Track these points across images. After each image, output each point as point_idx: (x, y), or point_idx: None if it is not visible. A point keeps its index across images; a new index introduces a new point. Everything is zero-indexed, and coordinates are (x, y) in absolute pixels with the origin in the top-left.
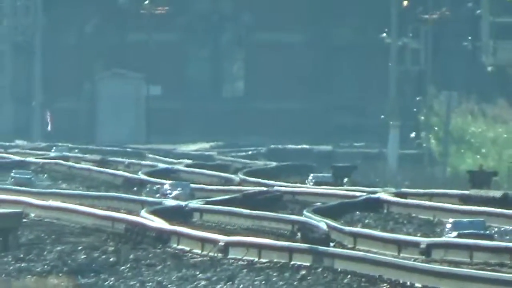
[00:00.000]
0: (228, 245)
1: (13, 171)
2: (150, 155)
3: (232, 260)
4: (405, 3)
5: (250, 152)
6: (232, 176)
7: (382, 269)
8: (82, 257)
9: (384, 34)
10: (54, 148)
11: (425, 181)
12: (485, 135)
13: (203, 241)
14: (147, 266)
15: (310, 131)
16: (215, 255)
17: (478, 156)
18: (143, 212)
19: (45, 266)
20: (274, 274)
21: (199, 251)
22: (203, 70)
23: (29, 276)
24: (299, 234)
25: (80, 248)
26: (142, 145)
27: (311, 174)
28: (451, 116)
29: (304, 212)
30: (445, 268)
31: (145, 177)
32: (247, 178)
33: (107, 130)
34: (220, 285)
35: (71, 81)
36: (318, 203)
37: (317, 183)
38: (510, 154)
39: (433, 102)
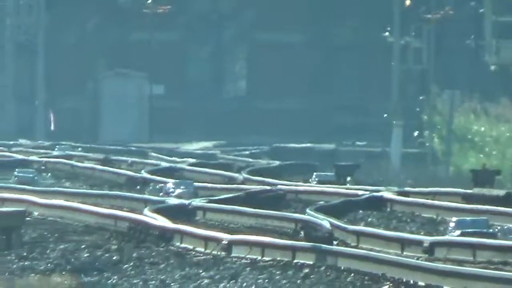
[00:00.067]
0: (231, 243)
1: (16, 169)
2: (153, 154)
3: (235, 259)
4: (408, 2)
5: (253, 151)
6: (235, 174)
7: (385, 267)
8: (85, 255)
9: (387, 33)
10: (57, 147)
11: (428, 180)
12: (488, 134)
13: (206, 239)
14: (150, 265)
15: (312, 131)
16: (218, 253)
17: (481, 155)
18: (146, 211)
19: (48, 265)
20: (277, 272)
21: (202, 250)
22: (205, 69)
23: (32, 275)
24: (302, 232)
25: (83, 246)
26: (145, 144)
27: (314, 173)
28: (454, 115)
29: (307, 210)
30: (448, 266)
31: (148, 176)
32: (251, 177)
33: (110, 129)
34: (223, 284)
35: (74, 80)
36: (321, 202)
37: (320, 181)
38: None
39: (436, 101)
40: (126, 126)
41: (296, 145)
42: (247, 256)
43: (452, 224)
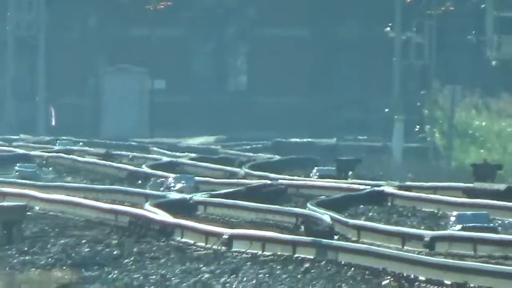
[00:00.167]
0: (232, 238)
1: (18, 164)
2: (155, 149)
3: (236, 253)
4: None
5: (254, 146)
6: (237, 169)
7: (386, 262)
8: (86, 250)
9: (388, 29)
10: (57, 142)
11: (429, 174)
12: (490, 129)
13: (207, 234)
14: (151, 259)
15: (313, 125)
16: (219, 248)
17: (483, 150)
18: (147, 205)
19: (49, 259)
20: (278, 267)
21: (203, 244)
22: (207, 64)
23: (33, 269)
24: (303, 227)
25: (84, 241)
26: (146, 138)
27: (315, 168)
28: (455, 110)
29: (308, 205)
30: (449, 261)
31: (149, 170)
32: (252, 171)
33: (111, 124)
34: (224, 278)
35: (75, 76)
36: (322, 196)
37: (321, 176)
38: None
39: (437, 96)
40: (127, 121)
41: (298, 140)
42: (248, 251)
43: (453, 219)
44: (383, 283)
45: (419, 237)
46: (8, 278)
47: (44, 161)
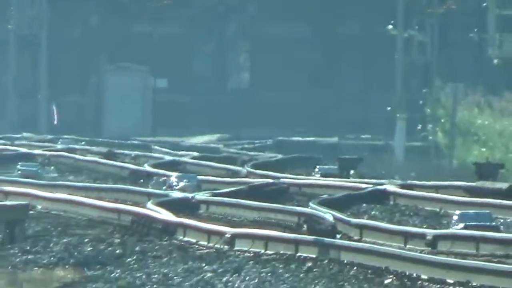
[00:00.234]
0: (234, 237)
1: (20, 163)
2: (157, 147)
3: (239, 252)
4: None
5: (256, 144)
6: (239, 168)
7: (389, 260)
8: (89, 249)
9: (390, 26)
10: (60, 140)
11: (432, 173)
12: (492, 128)
13: (210, 233)
14: (153, 258)
15: (315, 123)
16: (221, 247)
17: (484, 149)
18: (149, 204)
19: (52, 258)
20: (280, 266)
21: (205, 243)
22: (209, 62)
23: (35, 268)
24: (305, 226)
25: (86, 240)
26: (148, 137)
27: (317, 166)
28: (458, 108)
29: (310, 204)
30: (452, 259)
31: (152, 169)
32: (254, 170)
33: (113, 122)
34: (226, 277)
35: (77, 75)
36: (325, 195)
37: (323, 175)
38: None
39: (440, 94)
40: (129, 119)
41: (300, 139)
42: (250, 250)
43: (455, 217)
44: (386, 282)
45: (422, 236)
46: (10, 277)
47: (46, 160)
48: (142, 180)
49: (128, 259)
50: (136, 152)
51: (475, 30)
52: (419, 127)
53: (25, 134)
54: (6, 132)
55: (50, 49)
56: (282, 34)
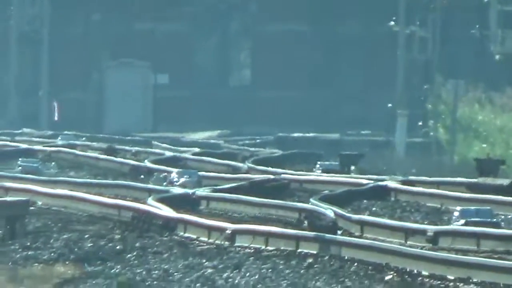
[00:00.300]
0: (235, 233)
1: (20, 159)
2: (157, 143)
3: (239, 248)
4: None
5: (258, 140)
6: (240, 164)
7: (389, 257)
8: (89, 245)
9: (392, 23)
10: (60, 136)
11: (433, 169)
12: (493, 124)
13: (210, 229)
14: (154, 254)
15: (316, 120)
16: (222, 243)
17: (485, 145)
18: (150, 200)
19: (52, 254)
20: (281, 262)
21: (206, 239)
22: (210, 59)
23: (36, 264)
24: (306, 222)
25: (86, 236)
26: (149, 133)
27: (318, 162)
28: (459, 104)
29: (311, 200)
30: (452, 256)
31: (152, 165)
32: (255, 166)
33: (114, 119)
34: (227, 273)
35: (78, 71)
36: (325, 191)
37: (325, 171)
38: None
39: (441, 90)
40: (131, 115)
41: (301, 135)
42: (251, 246)
43: (456, 214)
44: (386, 278)
45: (423, 232)
46: (11, 273)
47: (47, 156)
48: (142, 176)
49: (129, 255)
50: (136, 148)
51: (477, 26)
52: (420, 123)
53: (25, 130)
54: (7, 128)
55: (52, 46)
56: (283, 33)
